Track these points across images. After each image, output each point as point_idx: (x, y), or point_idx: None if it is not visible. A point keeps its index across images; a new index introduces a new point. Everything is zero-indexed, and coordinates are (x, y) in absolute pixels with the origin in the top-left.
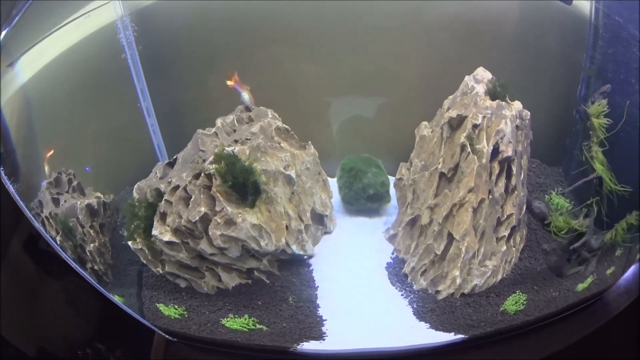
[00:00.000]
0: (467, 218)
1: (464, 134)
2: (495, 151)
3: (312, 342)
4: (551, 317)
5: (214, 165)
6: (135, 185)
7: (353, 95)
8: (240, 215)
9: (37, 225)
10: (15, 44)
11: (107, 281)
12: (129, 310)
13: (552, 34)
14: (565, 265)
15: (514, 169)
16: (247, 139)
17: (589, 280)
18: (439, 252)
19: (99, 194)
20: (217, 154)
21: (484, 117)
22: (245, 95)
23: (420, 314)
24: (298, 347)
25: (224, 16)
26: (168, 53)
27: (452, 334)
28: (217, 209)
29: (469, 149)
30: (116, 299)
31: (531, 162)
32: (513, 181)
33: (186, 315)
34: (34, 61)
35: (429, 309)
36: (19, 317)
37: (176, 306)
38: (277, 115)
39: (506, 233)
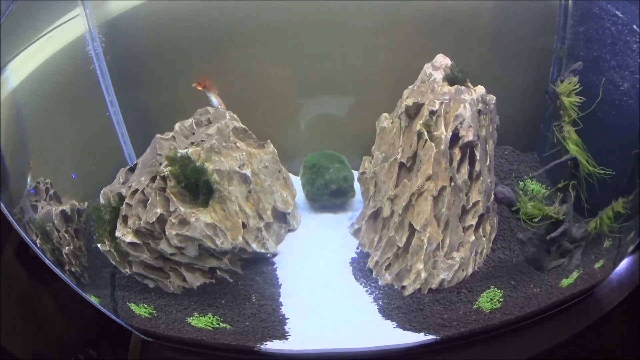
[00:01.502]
0: (427, 207)
1: (421, 122)
2: (456, 137)
3: (276, 341)
4: (535, 316)
5: (168, 167)
6: (101, 191)
7: (321, 93)
8: (193, 214)
9: (19, 229)
10: None
11: (84, 283)
12: (105, 311)
13: (522, 20)
14: (544, 257)
15: (478, 154)
16: (202, 140)
17: (575, 275)
18: (401, 245)
19: (73, 202)
20: (168, 157)
21: (442, 102)
22: (214, 99)
23: (386, 312)
24: (262, 346)
25: (191, 22)
26: (137, 61)
27: (422, 334)
28: (172, 209)
29: (426, 137)
30: (93, 299)
31: (503, 149)
32: (477, 167)
33: (155, 315)
34: (8, 78)
35: (395, 306)
36: (14, 324)
37: (146, 305)
38: (235, 117)
39: (473, 222)
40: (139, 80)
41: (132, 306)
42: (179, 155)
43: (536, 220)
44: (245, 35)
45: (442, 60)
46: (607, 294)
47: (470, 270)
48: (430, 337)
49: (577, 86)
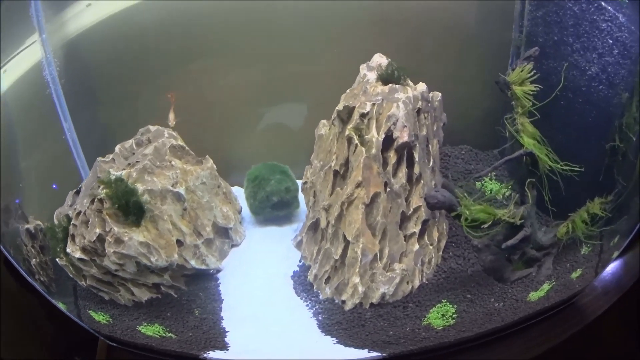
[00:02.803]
0: (358, 216)
1: (350, 126)
2: (390, 139)
3: (217, 351)
4: (499, 332)
5: (104, 190)
6: (55, 213)
7: (276, 101)
8: (126, 234)
9: None
10: None
11: (52, 291)
12: (72, 316)
13: (480, 13)
14: (505, 266)
15: (416, 155)
16: (137, 161)
17: (546, 287)
18: (337, 257)
19: (38, 222)
20: (100, 180)
21: (374, 104)
22: (170, 114)
23: (325, 327)
24: (205, 355)
25: (146, 38)
26: (95, 81)
27: (366, 350)
28: (107, 229)
29: (356, 141)
30: (60, 306)
31: (460, 149)
32: (416, 169)
33: (111, 322)
34: None
35: (335, 321)
36: (4, 331)
37: (103, 313)
38: (174, 134)
39: (416, 229)
40: (98, 100)
41: (92, 313)
42: (112, 177)
43: (485, 226)
44: (200, 48)
45: (379, 60)
46: (590, 302)
47: (417, 283)
48: (375, 354)
49: (531, 73)
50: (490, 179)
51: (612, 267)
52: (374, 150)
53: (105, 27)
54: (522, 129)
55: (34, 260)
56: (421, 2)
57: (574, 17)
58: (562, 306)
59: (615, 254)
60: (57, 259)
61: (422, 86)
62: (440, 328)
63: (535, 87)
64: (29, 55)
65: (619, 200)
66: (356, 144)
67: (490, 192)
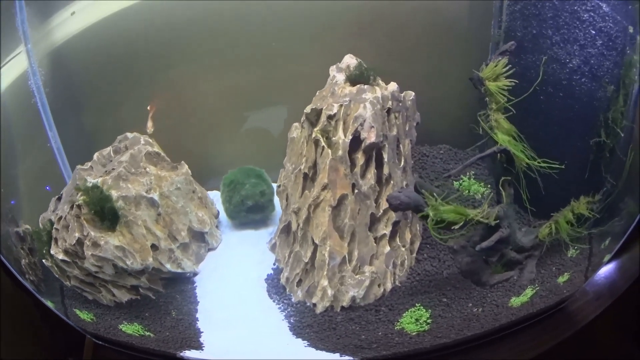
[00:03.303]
0: (325, 219)
1: (317, 128)
2: (358, 140)
3: (193, 351)
4: (480, 339)
5: (82, 196)
6: (40, 217)
7: (252, 107)
8: (102, 238)
9: None
10: None
11: (42, 291)
12: (60, 314)
13: (460, 11)
14: (483, 269)
15: (385, 155)
16: (112, 169)
17: (529, 292)
18: (306, 260)
19: (27, 226)
20: (77, 188)
21: (341, 105)
22: (148, 122)
23: (296, 330)
24: (182, 354)
25: (129, 46)
26: (79, 88)
27: (337, 354)
28: (85, 233)
29: (323, 143)
30: (49, 304)
31: (439, 148)
32: (386, 170)
33: (95, 320)
34: None
35: (307, 324)
36: (2, 333)
37: (87, 312)
38: (150, 141)
39: (387, 231)
40: (82, 107)
41: (78, 312)
42: (89, 185)
43: (456, 227)
44: (182, 54)
45: (349, 61)
46: (582, 307)
47: (389, 285)
48: (348, 358)
49: (506, 68)
50: (470, 178)
51: (604, 271)
52: (340, 152)
53: (89, 35)
54: (496, 125)
55: (23, 260)
56: (402, 2)
57: (553, 9)
58: (550, 312)
59: (607, 257)
60: (43, 260)
61: (392, 86)
62: (414, 333)
63: (510, 82)
64: (17, 64)
65: (608, 200)
66: (323, 146)
67: (469, 192)
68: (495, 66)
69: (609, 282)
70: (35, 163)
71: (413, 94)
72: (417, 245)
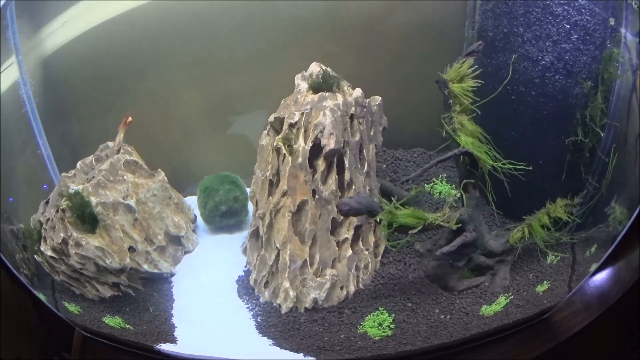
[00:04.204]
0: (285, 224)
1: (279, 136)
2: (319, 147)
3: (168, 344)
4: (450, 349)
5: (65, 202)
6: (31, 218)
7: (232, 114)
8: (84, 239)
9: None
10: None
11: (35, 285)
12: (50, 306)
13: (435, 15)
14: (450, 273)
15: (347, 161)
16: (93, 177)
17: (503, 301)
18: (270, 262)
19: (21, 225)
20: (60, 193)
21: (302, 113)
22: (118, 136)
23: (262, 329)
24: (158, 346)
25: (114, 56)
26: (67, 97)
27: (301, 355)
28: (69, 234)
29: (284, 151)
30: (41, 297)
31: (413, 152)
32: (347, 175)
33: (82, 313)
34: None
35: (272, 323)
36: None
37: (74, 305)
38: (129, 150)
39: (349, 235)
40: (71, 116)
41: (67, 304)
42: (71, 191)
43: (414, 231)
44: (162, 63)
45: (313, 69)
46: (567, 318)
47: (352, 288)
48: (311, 359)
49: (472, 69)
50: (442, 181)
51: (593, 280)
52: (300, 159)
53: (78, 44)
54: (459, 127)
55: (17, 255)
56: (379, 5)
57: (524, 6)
58: (529, 323)
59: (594, 265)
60: (35, 256)
61: (357, 92)
62: (377, 338)
63: (476, 82)
64: (9, 74)
65: (590, 203)
66: (284, 154)
67: (440, 195)
68: (460, 67)
69: (599, 292)
70: (26, 168)
71: (380, 98)
72: (382, 248)
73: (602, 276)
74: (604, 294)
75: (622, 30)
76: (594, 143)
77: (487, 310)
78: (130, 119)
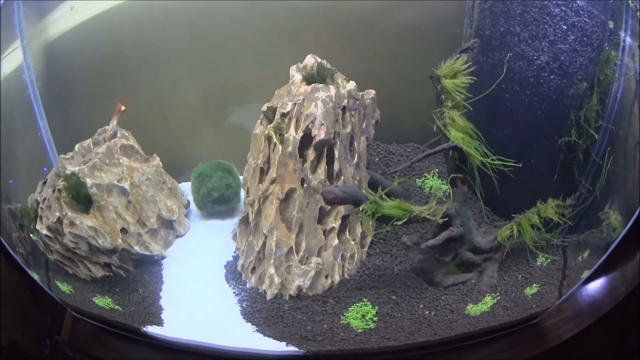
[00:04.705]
0: (272, 211)
1: (271, 125)
2: (310, 137)
3: (154, 326)
4: (433, 348)
5: (61, 182)
6: (28, 198)
7: (230, 104)
8: (78, 218)
9: None
10: None
11: (30, 264)
12: (44, 286)
13: (434, 11)
14: (435, 267)
15: (337, 152)
16: (89, 159)
17: (490, 301)
18: (257, 248)
19: (19, 204)
20: (57, 174)
21: (295, 104)
22: (114, 122)
23: (247, 314)
24: (145, 328)
25: (116, 44)
26: (70, 83)
27: (284, 343)
28: (64, 213)
29: (275, 140)
30: (35, 276)
31: (407, 147)
32: (336, 166)
33: (73, 292)
34: None
35: (257, 309)
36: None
37: (66, 284)
38: (126, 134)
39: (336, 224)
40: (71, 101)
41: (59, 284)
42: (68, 172)
43: (399, 223)
44: (163, 52)
45: (309, 61)
46: (556, 325)
47: (337, 278)
48: (293, 349)
49: (466, 65)
50: (433, 176)
51: (586, 288)
52: (290, 148)
53: (82, 31)
54: (450, 122)
55: (14, 234)
56: (377, 2)
57: (522, 5)
58: (517, 327)
59: (587, 272)
60: (31, 235)
61: (350, 85)
62: (359, 330)
63: (469, 79)
64: (14, 58)
65: (583, 206)
66: (275, 143)
67: (430, 190)
68: (454, 64)
69: (592, 301)
70: (27, 150)
71: (373, 92)
72: (369, 239)
73: (595, 285)
74: (597, 304)
75: (622, 34)
76: (588, 145)
77: (473, 309)
78: (123, 107)
